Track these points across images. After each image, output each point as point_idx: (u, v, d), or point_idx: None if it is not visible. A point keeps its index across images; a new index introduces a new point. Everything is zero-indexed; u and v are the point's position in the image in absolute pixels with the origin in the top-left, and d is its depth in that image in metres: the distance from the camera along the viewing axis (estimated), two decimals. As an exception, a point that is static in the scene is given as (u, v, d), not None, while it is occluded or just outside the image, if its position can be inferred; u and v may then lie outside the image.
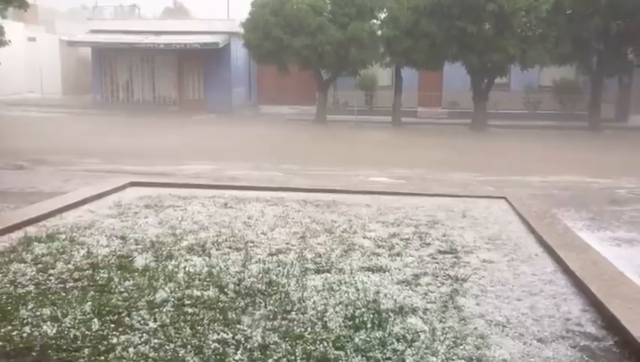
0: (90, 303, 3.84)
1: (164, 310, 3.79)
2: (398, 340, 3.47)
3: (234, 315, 3.74)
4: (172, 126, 23.40)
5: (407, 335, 3.54)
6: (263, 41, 24.55)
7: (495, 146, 19.88)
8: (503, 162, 15.63)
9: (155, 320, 3.63)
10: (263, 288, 4.24)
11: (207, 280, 4.38)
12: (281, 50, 24.56)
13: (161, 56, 30.37)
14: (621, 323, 3.59)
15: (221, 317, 3.70)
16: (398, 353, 3.31)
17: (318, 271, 4.68)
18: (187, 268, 4.62)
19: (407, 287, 4.39)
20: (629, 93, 27.58)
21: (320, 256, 5.11)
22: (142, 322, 3.60)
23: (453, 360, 3.26)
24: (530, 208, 7.15)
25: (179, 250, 5.14)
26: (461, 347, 3.41)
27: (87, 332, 3.44)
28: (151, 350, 3.26)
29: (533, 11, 21.99)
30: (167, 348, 3.29)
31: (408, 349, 3.35)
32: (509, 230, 6.21)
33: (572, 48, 23.16)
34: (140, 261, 4.78)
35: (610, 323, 3.74)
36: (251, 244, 5.41)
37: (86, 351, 3.23)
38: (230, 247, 5.28)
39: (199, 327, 3.55)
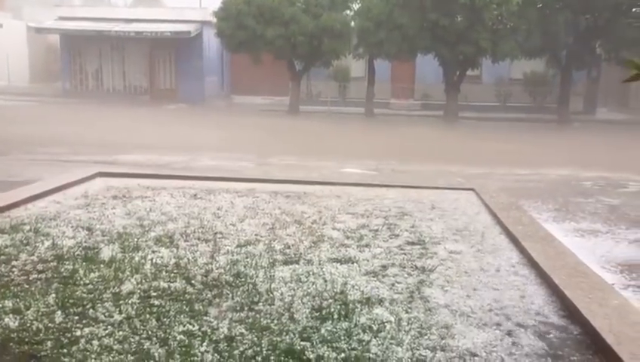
0: (53, 295, 3.79)
1: (130, 302, 3.76)
2: (364, 331, 3.50)
3: (201, 307, 3.73)
4: (142, 115, 23.11)
5: (373, 325, 3.57)
6: (235, 30, 24.38)
7: (466, 138, 20.08)
8: (473, 154, 15.81)
9: (120, 312, 3.60)
10: (231, 279, 4.23)
11: (175, 271, 4.36)
12: (254, 40, 24.42)
13: (131, 44, 29.91)
14: (582, 313, 3.68)
15: (187, 309, 3.69)
16: (364, 343, 3.34)
17: (286, 263, 4.69)
18: (154, 260, 4.58)
19: (375, 278, 4.43)
20: (597, 86, 28.10)
21: (289, 247, 5.12)
22: (107, 314, 3.57)
23: (417, 349, 3.30)
24: (498, 200, 7.26)
25: (146, 241, 5.09)
26: (426, 337, 3.46)
27: (50, 324, 3.40)
28: (115, 342, 3.23)
29: (505, 4, 22.21)
30: (132, 340, 3.26)
31: (374, 339, 3.39)
32: (477, 221, 6.29)
33: (542, 42, 23.48)
34: (106, 252, 4.73)
35: (571, 313, 3.83)
36: (220, 236, 5.39)
37: (49, 343, 3.19)
38: (199, 239, 5.25)
39: (165, 319, 3.53)
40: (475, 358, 3.22)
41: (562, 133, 22.47)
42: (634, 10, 23.85)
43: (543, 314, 3.86)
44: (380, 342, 3.36)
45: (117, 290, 3.94)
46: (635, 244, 6.13)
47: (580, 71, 25.66)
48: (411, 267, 4.72)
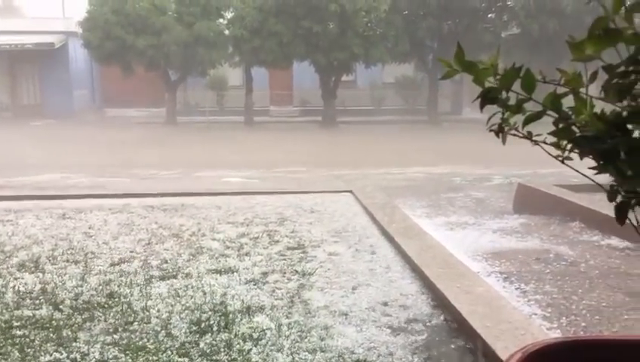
0: None
1: (-11, 335, 3.47)
2: (244, 340, 3.47)
3: (70, 333, 3.52)
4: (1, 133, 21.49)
5: (253, 334, 3.55)
6: (103, 41, 23.41)
7: (344, 142, 20.62)
8: (351, 157, 16.27)
9: (-23, 348, 3.31)
10: (103, 301, 4.03)
11: (40, 297, 4.08)
12: (124, 51, 23.58)
13: (-12, 57, 27.77)
14: (450, 302, 3.88)
15: (55, 337, 3.46)
16: (244, 353, 3.31)
17: (163, 278, 4.55)
18: (17, 287, 4.27)
19: (255, 286, 4.41)
20: (462, 88, 29.94)
21: (166, 261, 4.98)
22: (-39, 351, 3.27)
23: (297, 353, 3.32)
24: (374, 200, 7.51)
25: (8, 268, 4.73)
26: (306, 340, 3.49)
27: None
28: (-28, 381, 2.97)
29: (373, 12, 23.13)
30: (-9, 376, 3.02)
31: (254, 348, 3.37)
32: (354, 222, 6.47)
33: (409, 47, 24.68)
34: (-40, 284, 4.34)
35: (441, 303, 4.03)
36: (91, 255, 5.13)
37: None
38: (67, 261, 4.96)
39: (29, 350, 3.29)
40: (354, 356, 3.29)
41: (432, 132, 23.71)
42: (489, 15, 25.73)
43: (417, 306, 4.03)
44: (260, 350, 3.34)
45: (-27, 324, 3.62)
46: (498, 233, 6.58)
47: (446, 74, 27.23)
48: (291, 272, 4.75)
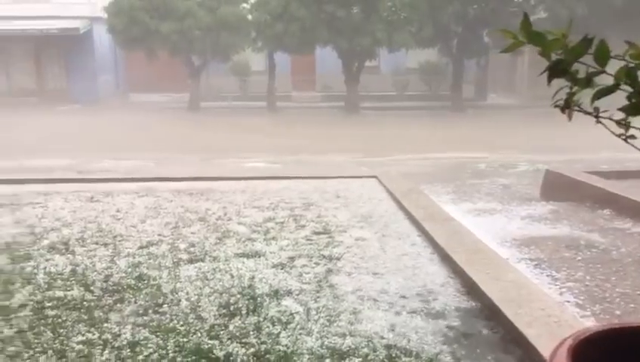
0: None
1: (22, 315, 3.52)
2: (273, 323, 3.46)
3: (101, 314, 3.56)
4: (28, 118, 21.76)
5: (282, 317, 3.55)
6: (128, 26, 23.48)
7: (368, 128, 20.48)
8: (375, 142, 16.16)
9: (10, 327, 3.35)
10: (133, 283, 4.06)
11: (71, 279, 4.13)
12: (148, 36, 23.64)
13: (15, 43, 28.03)
14: (480, 288, 3.83)
15: (86, 317, 3.50)
16: (273, 336, 3.30)
17: (191, 261, 4.57)
18: (48, 269, 4.32)
19: (283, 270, 4.41)
20: (487, 73, 29.53)
21: (193, 245, 5.00)
22: (-5, 330, 3.32)
23: (327, 337, 3.31)
24: (400, 186, 7.45)
25: (38, 249, 4.80)
26: (335, 324, 3.48)
27: None
28: (7, 359, 3.01)
29: (397, -4, 22.86)
30: (25, 355, 3.05)
31: (283, 331, 3.36)
32: (380, 208, 6.43)
33: (434, 32, 24.35)
34: (-8, 265, 4.40)
35: (471, 289, 3.99)
36: (120, 238, 5.17)
37: None
38: (97, 243, 5.01)
39: (62, 330, 3.32)
40: (383, 340, 3.27)
41: (457, 119, 23.45)
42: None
43: (446, 292, 3.99)
44: (289, 334, 3.33)
45: (6, 304, 3.67)
46: (526, 220, 6.48)
47: (470, 59, 26.85)
48: (318, 256, 4.73)
